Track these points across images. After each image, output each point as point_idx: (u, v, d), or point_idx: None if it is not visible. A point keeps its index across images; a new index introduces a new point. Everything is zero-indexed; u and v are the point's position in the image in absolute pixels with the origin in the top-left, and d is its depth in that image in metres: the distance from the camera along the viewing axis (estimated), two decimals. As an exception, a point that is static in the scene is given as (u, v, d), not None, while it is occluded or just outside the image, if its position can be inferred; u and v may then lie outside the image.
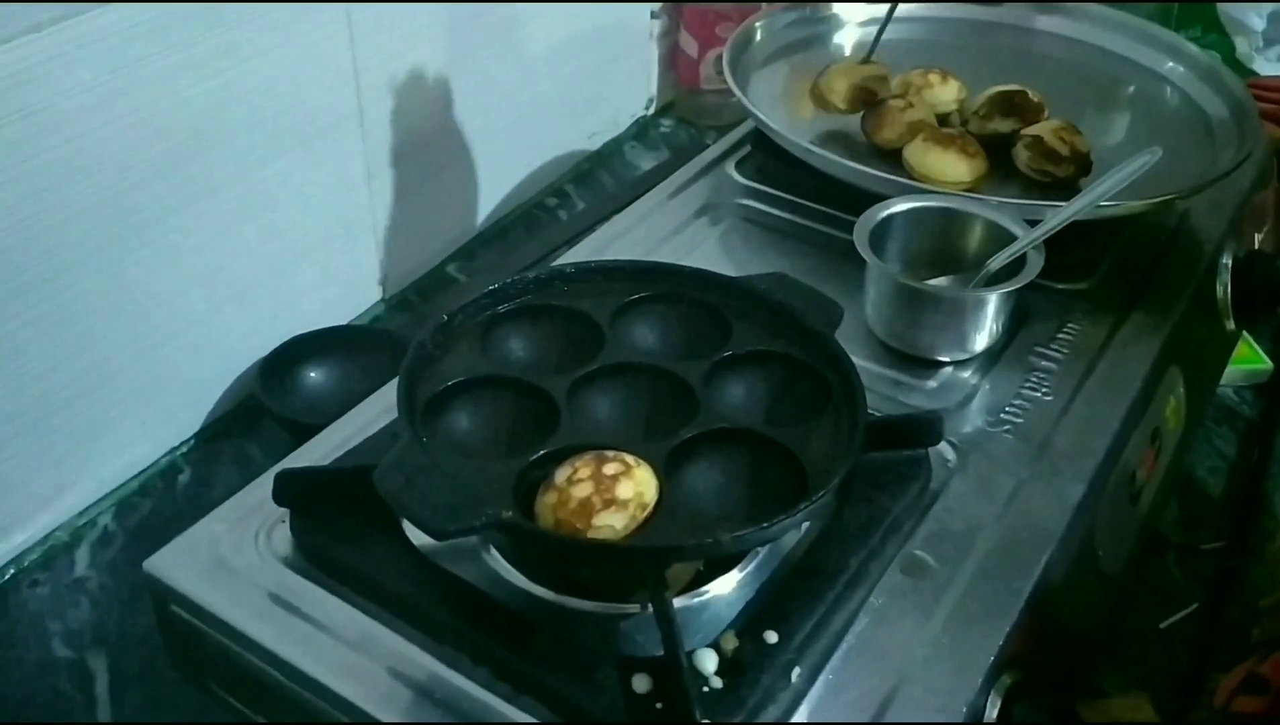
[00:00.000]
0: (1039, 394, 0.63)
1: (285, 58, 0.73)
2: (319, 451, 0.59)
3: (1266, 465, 0.77)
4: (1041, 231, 0.63)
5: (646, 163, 1.10)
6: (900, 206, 0.67)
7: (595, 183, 1.07)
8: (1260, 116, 0.96)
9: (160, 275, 0.70)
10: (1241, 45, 1.07)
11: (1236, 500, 0.76)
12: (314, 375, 0.78)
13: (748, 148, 0.84)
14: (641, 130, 1.15)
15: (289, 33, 0.73)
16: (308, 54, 0.75)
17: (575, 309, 0.58)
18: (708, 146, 0.88)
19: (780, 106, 0.83)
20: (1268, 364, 0.85)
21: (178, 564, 0.51)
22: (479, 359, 0.55)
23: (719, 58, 0.82)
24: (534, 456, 0.49)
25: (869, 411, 0.57)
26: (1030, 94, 0.76)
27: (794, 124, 0.80)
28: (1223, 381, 0.84)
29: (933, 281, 0.67)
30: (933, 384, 0.64)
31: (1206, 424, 0.81)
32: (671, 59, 1.16)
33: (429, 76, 0.86)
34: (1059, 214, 0.63)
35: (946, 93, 0.78)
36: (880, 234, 0.66)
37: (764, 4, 1.06)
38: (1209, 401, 0.81)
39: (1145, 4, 1.09)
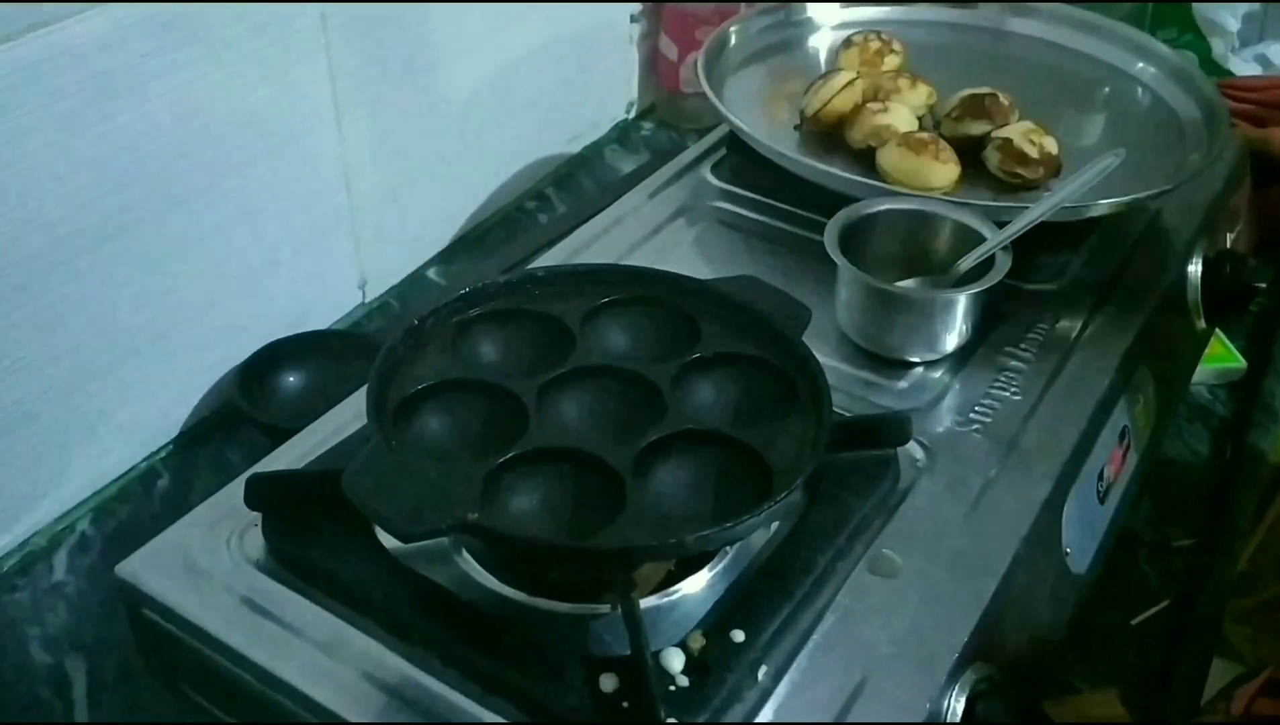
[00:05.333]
0: (1008, 393, 0.64)
1: (261, 63, 0.74)
2: (293, 455, 0.59)
3: (1239, 463, 0.78)
4: (1008, 233, 0.64)
5: (627, 166, 1.11)
6: (871, 209, 0.68)
7: (576, 186, 1.07)
8: (1235, 116, 0.97)
9: (137, 280, 0.70)
10: (1217, 46, 1.08)
11: (1208, 498, 0.77)
12: (293, 380, 0.79)
13: (724, 151, 0.85)
14: (622, 133, 1.15)
15: (265, 38, 0.73)
16: (283, 58, 0.75)
17: (546, 312, 0.58)
18: (687, 149, 0.88)
19: (755, 109, 0.84)
20: (1241, 362, 0.86)
21: (150, 568, 0.52)
22: (449, 362, 0.55)
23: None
24: (502, 459, 0.49)
25: (839, 412, 0.58)
26: (1000, 96, 0.77)
27: (769, 127, 0.81)
28: (1196, 379, 0.84)
29: (902, 283, 0.68)
30: (903, 384, 0.65)
31: (1179, 421, 0.82)
32: (652, 63, 1.16)
33: (407, 80, 0.87)
34: (1025, 216, 0.64)
35: (916, 97, 0.79)
36: (851, 236, 0.67)
37: (743, 6, 1.07)
38: (1180, 400, 0.81)
39: (1120, 5, 1.10)
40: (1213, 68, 1.08)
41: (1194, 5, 1.07)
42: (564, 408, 0.53)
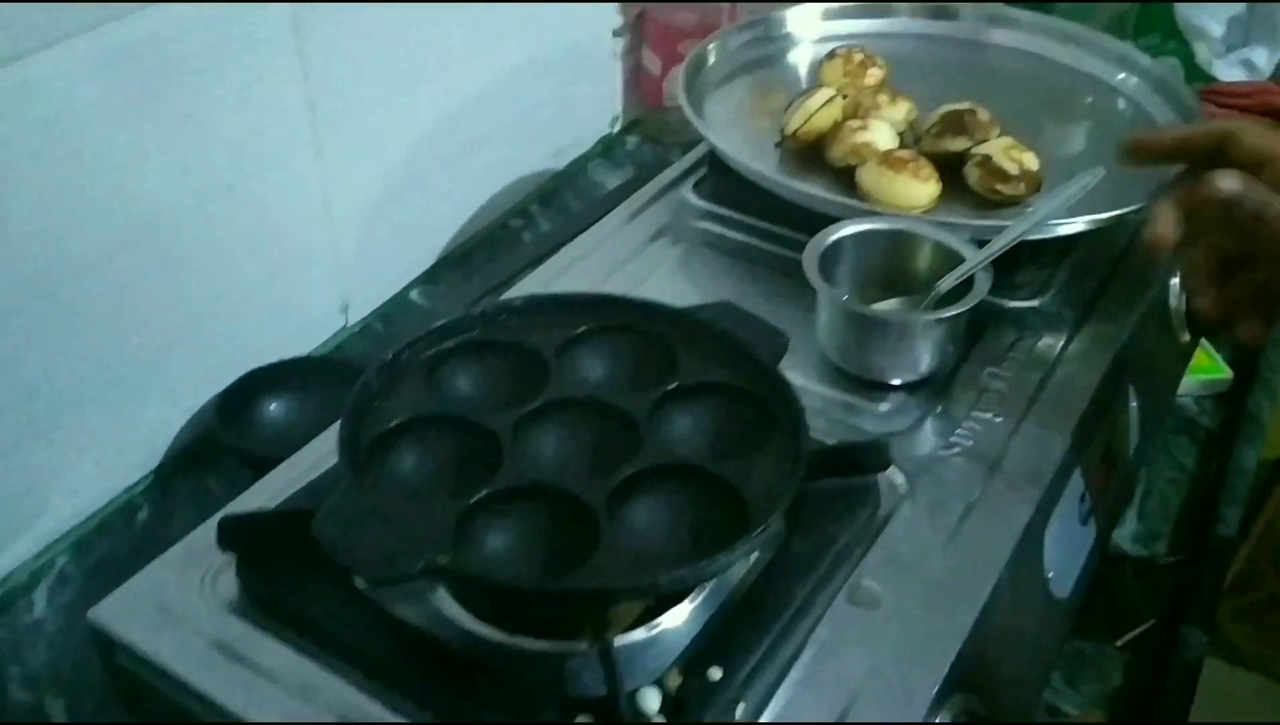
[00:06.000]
0: (989, 416, 0.63)
1: (238, 91, 0.73)
2: (272, 489, 0.59)
3: (1224, 477, 0.77)
4: (987, 254, 0.63)
5: (612, 181, 1.10)
6: (849, 230, 0.67)
7: (560, 202, 1.07)
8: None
9: (116, 311, 0.70)
10: (1201, 51, 1.07)
11: (1195, 512, 0.77)
12: (274, 408, 0.78)
13: (705, 169, 0.84)
14: (607, 148, 1.15)
15: (242, 66, 0.73)
16: (260, 87, 0.75)
17: (521, 343, 0.58)
18: (671, 164, 0.87)
19: (736, 127, 0.83)
20: (1227, 373, 0.85)
21: (122, 613, 0.51)
22: (424, 397, 0.55)
23: (681, 76, 0.83)
24: (475, 498, 0.49)
25: (818, 439, 0.58)
26: (979, 112, 0.76)
27: (750, 145, 0.80)
28: (1182, 391, 0.84)
29: (883, 303, 0.67)
30: (885, 407, 0.64)
31: (1165, 434, 0.81)
32: (635, 77, 1.16)
33: (387, 101, 0.86)
34: (1004, 236, 0.63)
35: (896, 113, 0.79)
36: (831, 257, 0.67)
37: (725, 17, 1.07)
38: (1165, 414, 0.81)
39: (1104, 11, 1.09)
40: (1197, 73, 1.07)
41: (1177, 11, 1.06)
42: (539, 442, 0.53)
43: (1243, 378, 0.85)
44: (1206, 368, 0.85)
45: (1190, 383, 0.84)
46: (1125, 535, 0.74)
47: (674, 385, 0.56)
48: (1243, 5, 1.07)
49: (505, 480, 0.50)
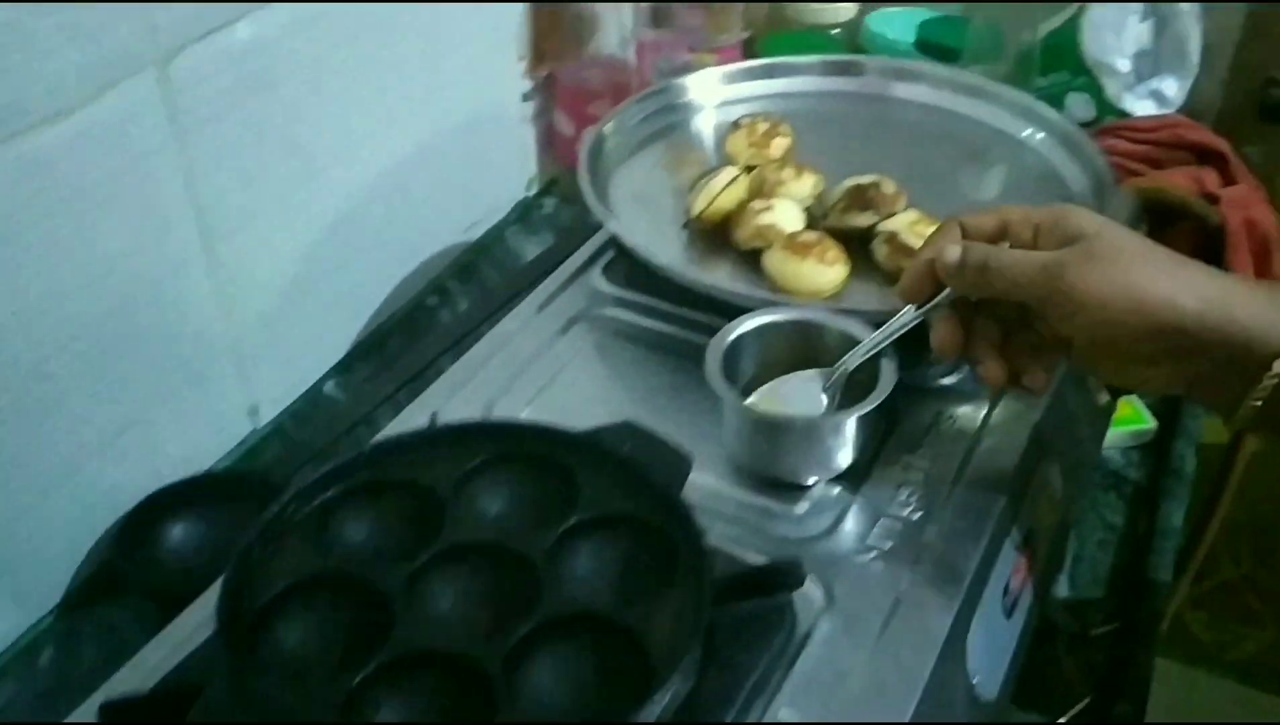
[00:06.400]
0: (906, 513, 0.62)
1: (120, 210, 0.70)
2: (174, 640, 0.56)
3: (1153, 536, 0.77)
4: (885, 334, 0.62)
5: (530, 249, 1.08)
6: (750, 325, 0.65)
7: (478, 276, 1.05)
8: (1132, 159, 0.97)
9: (8, 441, 0.67)
10: (1110, 86, 1.07)
11: (1126, 572, 0.76)
12: (178, 533, 0.75)
13: (614, 251, 0.82)
14: (524, 213, 1.13)
15: (121, 183, 0.70)
16: (142, 202, 0.72)
17: (415, 481, 0.56)
18: (590, 229, 0.85)
19: (642, 207, 0.81)
20: (1151, 423, 0.85)
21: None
22: (311, 556, 0.52)
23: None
24: (364, 673, 0.46)
25: (731, 553, 0.56)
26: (884, 185, 0.75)
27: (656, 227, 0.79)
28: (1107, 443, 0.83)
29: (793, 376, 0.64)
30: (801, 508, 0.63)
31: (1092, 492, 0.81)
32: (548, 139, 1.14)
33: (282, 197, 0.84)
34: (899, 317, 0.61)
35: (802, 188, 0.77)
36: (734, 353, 0.65)
37: (635, 83, 1.05)
38: (1090, 479, 0.80)
39: (1010, 46, 1.09)
40: (1108, 108, 1.07)
41: (1083, 47, 1.06)
42: (434, 597, 0.51)
43: (1166, 427, 0.85)
44: (1130, 418, 0.85)
45: (1115, 435, 0.83)
46: (1056, 605, 0.73)
47: (574, 520, 0.54)
48: (1149, 38, 1.07)
49: (396, 649, 0.47)
